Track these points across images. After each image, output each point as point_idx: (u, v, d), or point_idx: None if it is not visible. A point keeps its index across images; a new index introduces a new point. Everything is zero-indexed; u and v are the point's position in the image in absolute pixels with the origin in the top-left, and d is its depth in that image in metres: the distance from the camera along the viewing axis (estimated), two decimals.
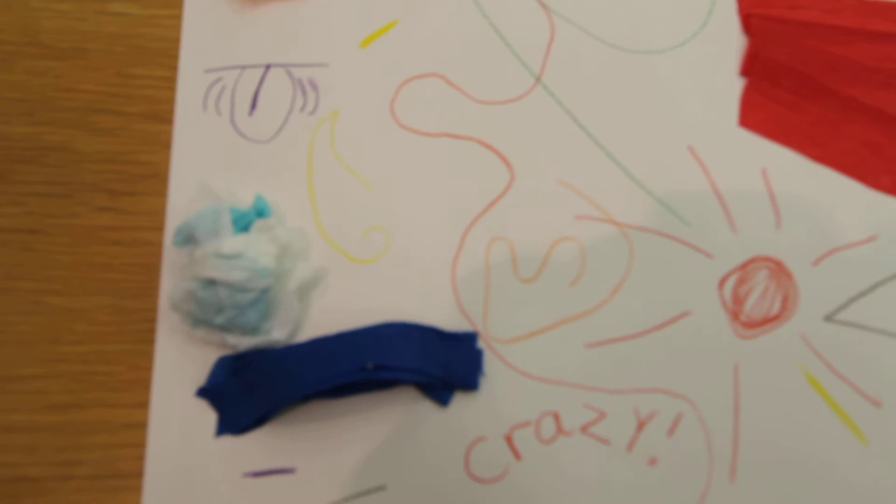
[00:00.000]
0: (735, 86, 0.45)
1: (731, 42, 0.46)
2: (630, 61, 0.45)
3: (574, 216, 0.43)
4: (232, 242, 0.38)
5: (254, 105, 0.45)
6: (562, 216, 0.43)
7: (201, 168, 0.44)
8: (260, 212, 0.41)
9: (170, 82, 0.46)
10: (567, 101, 0.45)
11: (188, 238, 0.40)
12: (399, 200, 0.43)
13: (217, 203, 0.41)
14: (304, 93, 0.45)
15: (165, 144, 0.45)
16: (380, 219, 0.43)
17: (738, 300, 0.41)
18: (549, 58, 0.46)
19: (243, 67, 0.46)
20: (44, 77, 0.46)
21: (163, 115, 0.45)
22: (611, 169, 0.43)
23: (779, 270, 0.42)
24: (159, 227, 0.43)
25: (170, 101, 0.45)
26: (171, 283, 0.42)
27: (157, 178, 0.44)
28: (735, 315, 0.41)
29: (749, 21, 0.45)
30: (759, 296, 0.41)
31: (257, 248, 0.39)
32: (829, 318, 0.41)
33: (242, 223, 0.40)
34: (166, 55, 0.46)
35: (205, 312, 0.38)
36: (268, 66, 0.46)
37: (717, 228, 0.42)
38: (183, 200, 0.43)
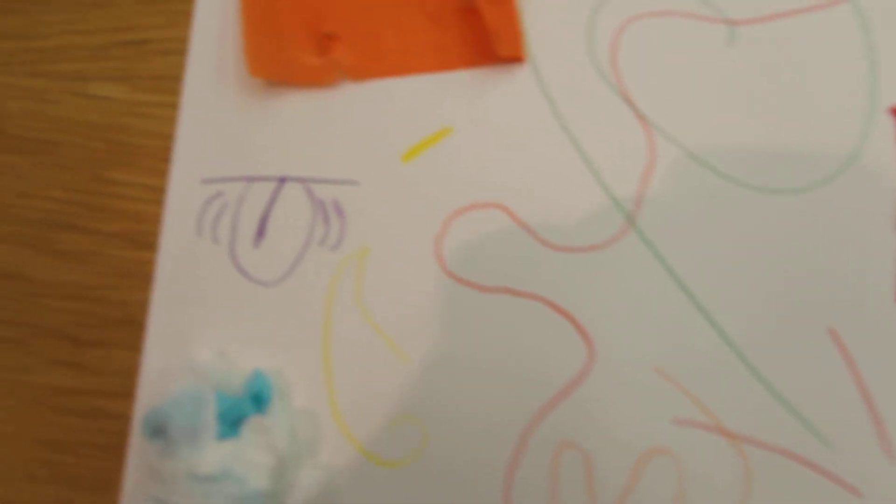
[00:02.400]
0: (894, 242, 0.33)
1: (891, 180, 0.34)
2: (753, 202, 0.34)
3: (671, 418, 0.32)
4: (213, 457, 0.28)
5: (261, 232, 0.35)
6: (655, 418, 0.32)
7: (188, 315, 0.34)
8: (257, 397, 0.31)
9: (157, 193, 0.36)
10: (669, 256, 0.34)
11: (158, 430, 0.30)
12: (441, 379, 0.33)
13: (200, 385, 0.31)
14: (327, 219, 0.35)
15: (146, 279, 0.35)
16: (415, 404, 0.33)
17: None
18: (648, 191, 0.35)
19: (251, 179, 0.36)
20: (1, 176, 0.36)
21: (145, 239, 0.36)
22: (724, 356, 0.33)
23: None
24: (129, 394, 0.33)
25: (156, 220, 0.36)
26: (136, 476, 0.32)
27: (131, 326, 0.34)
28: None
29: None
30: None
31: (248, 463, 0.29)
32: None
33: (232, 416, 0.30)
34: (156, 156, 0.37)
35: None
36: (282, 180, 0.36)
37: (868, 453, 0.32)
38: (162, 358, 0.34)
